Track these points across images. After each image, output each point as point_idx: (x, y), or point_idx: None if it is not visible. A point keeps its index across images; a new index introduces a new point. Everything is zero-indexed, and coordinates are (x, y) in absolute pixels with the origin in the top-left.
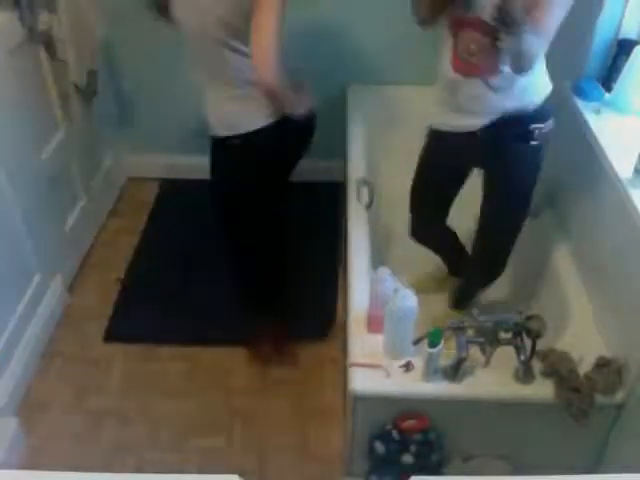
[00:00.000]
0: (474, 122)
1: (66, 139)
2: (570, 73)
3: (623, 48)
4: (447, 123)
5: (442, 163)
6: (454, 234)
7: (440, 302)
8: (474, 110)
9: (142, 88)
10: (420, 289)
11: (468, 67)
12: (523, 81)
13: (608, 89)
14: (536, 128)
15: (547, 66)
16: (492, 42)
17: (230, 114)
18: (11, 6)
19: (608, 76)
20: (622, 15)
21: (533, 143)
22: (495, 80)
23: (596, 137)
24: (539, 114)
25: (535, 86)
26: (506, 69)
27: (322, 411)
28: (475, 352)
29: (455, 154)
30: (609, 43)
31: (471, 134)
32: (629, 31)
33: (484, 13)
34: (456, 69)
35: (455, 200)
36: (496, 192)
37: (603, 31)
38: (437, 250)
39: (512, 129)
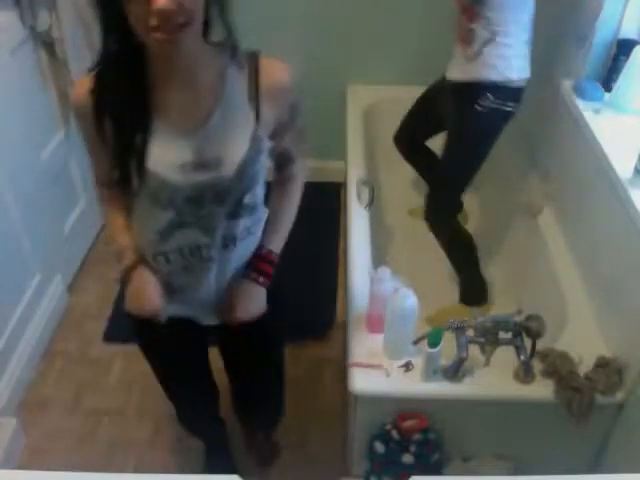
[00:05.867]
0: (451, 74)
1: (66, 139)
2: (570, 73)
3: (623, 48)
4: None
5: (434, 95)
6: (431, 155)
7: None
8: (455, 68)
9: None
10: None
11: (459, 33)
12: (484, 57)
13: (608, 89)
14: (484, 96)
15: (546, 65)
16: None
17: None
18: (11, 6)
19: (608, 76)
20: (622, 15)
21: (477, 108)
22: (468, 49)
23: (596, 137)
24: (493, 88)
25: (496, 65)
26: (476, 42)
27: (322, 411)
28: (475, 352)
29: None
30: (609, 43)
31: (449, 83)
32: (629, 31)
33: None
34: (457, 33)
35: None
36: (445, 141)
37: (603, 31)
38: (413, 164)
39: (465, 92)
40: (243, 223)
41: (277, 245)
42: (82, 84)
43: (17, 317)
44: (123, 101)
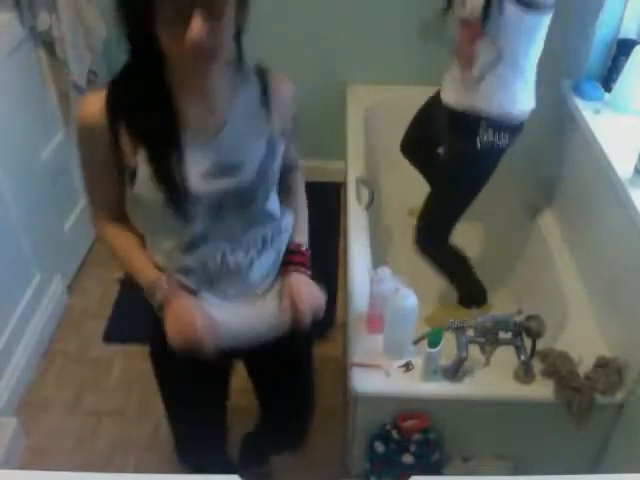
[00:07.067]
0: (448, 98)
1: (66, 139)
2: (570, 73)
3: (623, 48)
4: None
5: (431, 112)
6: (438, 162)
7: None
8: (452, 91)
9: None
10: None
11: (459, 54)
12: (486, 85)
13: (608, 89)
14: (485, 131)
15: (546, 65)
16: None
17: None
18: (11, 6)
19: (608, 76)
20: (622, 15)
21: (476, 144)
22: (469, 73)
23: (596, 137)
24: (494, 121)
25: (499, 98)
26: (478, 64)
27: (322, 411)
28: (475, 352)
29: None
30: (609, 43)
31: (445, 107)
32: (629, 31)
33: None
34: (456, 55)
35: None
36: (441, 169)
37: (603, 31)
38: (420, 171)
39: (463, 124)
40: (269, 229)
41: (303, 239)
42: (92, 102)
43: (17, 317)
44: (153, 116)
